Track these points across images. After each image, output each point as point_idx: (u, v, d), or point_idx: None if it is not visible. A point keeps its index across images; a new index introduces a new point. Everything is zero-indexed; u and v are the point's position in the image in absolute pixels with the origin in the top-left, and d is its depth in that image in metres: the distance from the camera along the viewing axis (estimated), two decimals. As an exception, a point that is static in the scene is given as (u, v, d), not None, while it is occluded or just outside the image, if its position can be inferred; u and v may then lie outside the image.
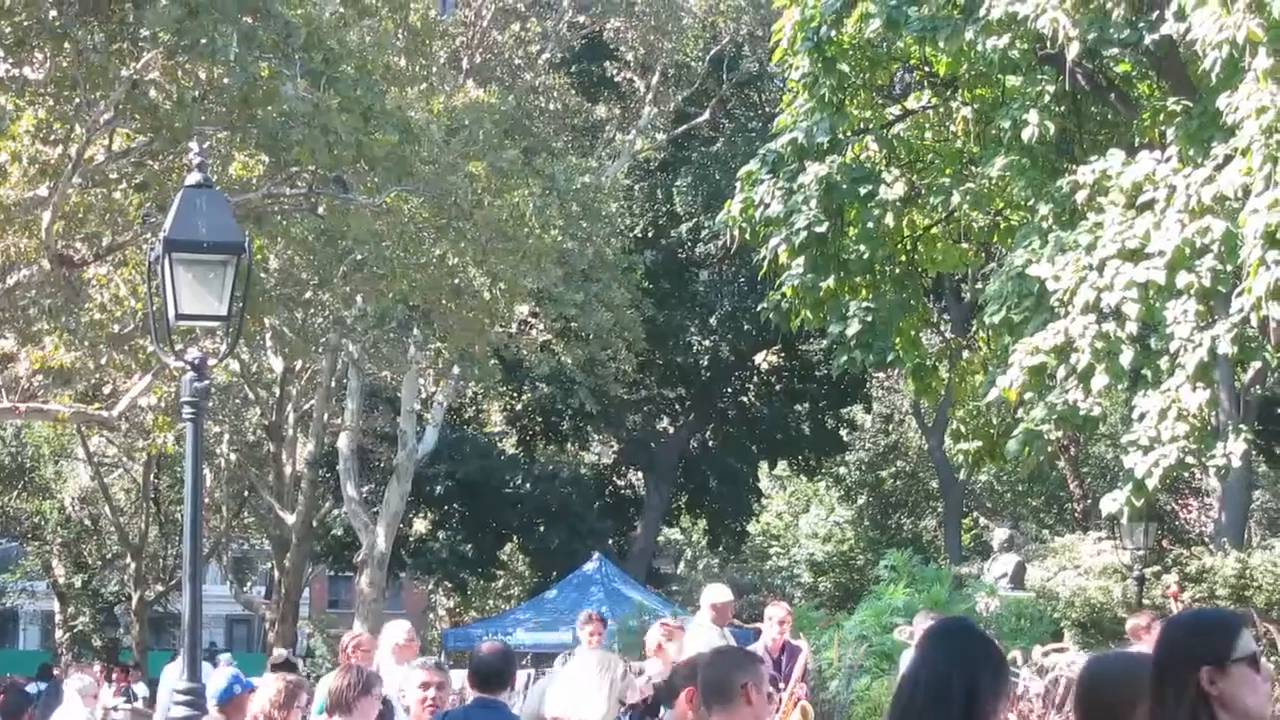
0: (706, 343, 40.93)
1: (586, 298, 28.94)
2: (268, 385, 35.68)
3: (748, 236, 24.34)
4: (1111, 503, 19.65)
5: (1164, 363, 19.28)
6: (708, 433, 45.69)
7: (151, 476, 42.76)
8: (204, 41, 15.28)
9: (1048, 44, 20.54)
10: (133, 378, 19.30)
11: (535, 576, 44.51)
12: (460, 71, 31.40)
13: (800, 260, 23.67)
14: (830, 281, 23.84)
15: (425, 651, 17.83)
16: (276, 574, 38.36)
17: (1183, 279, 18.49)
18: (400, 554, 39.69)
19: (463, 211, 21.71)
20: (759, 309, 26.00)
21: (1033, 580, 23.42)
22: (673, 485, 44.42)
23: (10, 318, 18.41)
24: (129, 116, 16.51)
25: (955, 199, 23.49)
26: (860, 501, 49.99)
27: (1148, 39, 20.20)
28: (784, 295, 24.12)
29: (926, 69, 24.82)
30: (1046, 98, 21.63)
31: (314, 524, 37.40)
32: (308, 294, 22.97)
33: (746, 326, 38.45)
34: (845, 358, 23.91)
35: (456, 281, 23.34)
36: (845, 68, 23.65)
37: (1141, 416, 19.26)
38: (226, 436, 36.82)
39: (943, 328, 36.46)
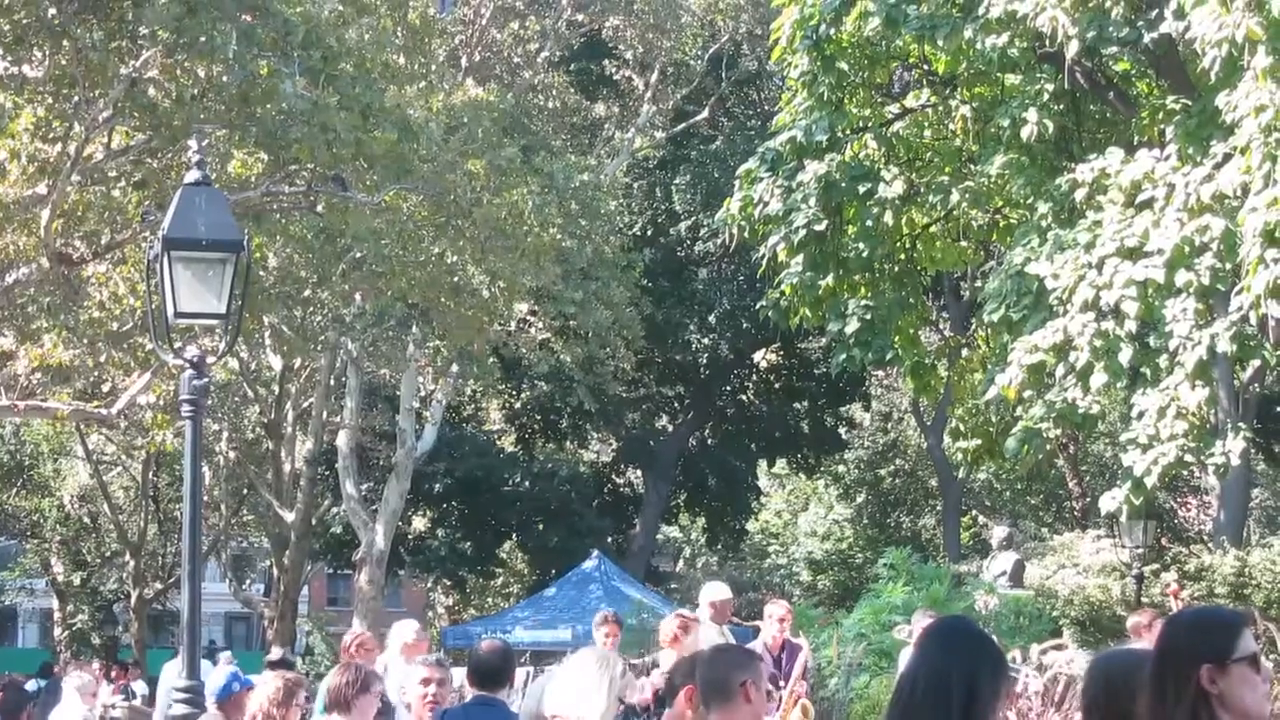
0: (705, 341, 40.92)
1: (585, 296, 28.93)
2: (267, 383, 35.67)
3: (746, 235, 24.33)
4: (1110, 501, 19.65)
5: (1163, 361, 19.28)
6: (706, 431, 45.70)
7: (150, 474, 42.76)
8: (203, 39, 15.28)
9: (1047, 42, 20.53)
10: (132, 376, 19.30)
11: (534, 574, 44.55)
12: (459, 69, 31.40)
13: (799, 258, 23.66)
14: (829, 280, 23.84)
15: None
16: (275, 572, 38.35)
17: (1182, 277, 18.49)
18: (399, 552, 39.73)
19: (461, 210, 21.70)
20: (758, 307, 25.99)
21: (1031, 578, 23.40)
22: (671, 483, 44.42)
23: (9, 316, 18.41)
24: (128, 114, 16.50)
25: (954, 197, 23.49)
26: (859, 500, 49.99)
27: (1147, 37, 20.20)
28: (783, 293, 24.11)
29: (925, 67, 24.81)
30: (1045, 96, 21.63)
31: (313, 522, 37.39)
32: (307, 292, 22.97)
33: (745, 325, 38.45)
34: (844, 356, 23.90)
35: (455, 279, 23.34)
36: (844, 66, 23.63)
37: (1140, 415, 19.25)
38: (225, 434, 36.80)
39: (942, 326, 36.50)
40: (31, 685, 22.70)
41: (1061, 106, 22.56)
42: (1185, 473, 25.68)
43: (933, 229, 25.56)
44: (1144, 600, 21.19)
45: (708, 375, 42.74)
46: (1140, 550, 22.78)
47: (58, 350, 18.14)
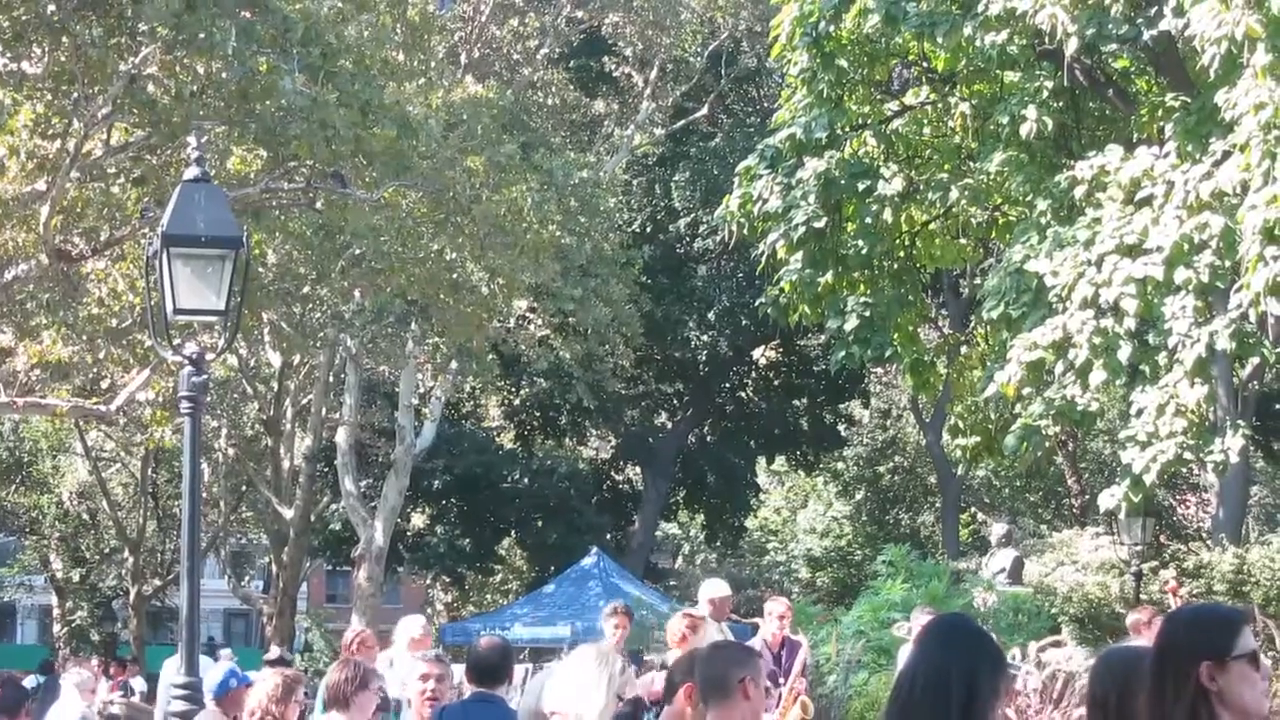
0: (705, 338, 40.92)
1: (585, 293, 28.93)
2: (266, 380, 35.69)
3: (746, 232, 24.33)
4: (1109, 498, 19.66)
5: (1162, 358, 19.28)
6: (706, 428, 45.70)
7: (149, 471, 42.77)
8: (202, 36, 15.27)
9: (1046, 39, 20.53)
10: (131, 372, 19.31)
11: (533, 571, 44.56)
12: (459, 66, 31.39)
13: (798, 255, 23.66)
14: (828, 277, 23.84)
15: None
16: (274, 568, 38.35)
17: (1181, 274, 18.49)
18: (398, 549, 39.74)
19: (461, 206, 21.69)
20: (757, 304, 25.99)
21: (1030, 575, 23.41)
22: (670, 480, 44.43)
23: (8, 312, 18.41)
24: (127, 111, 16.49)
25: (953, 194, 23.50)
26: (858, 497, 49.99)
27: (1146, 35, 20.20)
28: (782, 290, 24.12)
29: (925, 64, 24.80)
30: (1045, 93, 21.62)
31: (312, 518, 37.39)
32: (306, 289, 22.97)
33: (745, 322, 38.47)
34: (843, 353, 23.89)
35: (455, 276, 23.33)
36: (844, 63, 23.64)
37: (1139, 412, 19.26)
38: (224, 431, 36.79)
39: (941, 323, 36.48)
40: (30, 682, 22.70)
41: (1061, 104, 22.55)
42: (1184, 470, 25.68)
43: (932, 226, 25.56)
44: (1143, 597, 21.19)
45: (707, 372, 42.74)
46: (1139, 547, 22.78)
47: (57, 347, 18.14)
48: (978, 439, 25.00)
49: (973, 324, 28.26)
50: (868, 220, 23.52)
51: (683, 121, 39.82)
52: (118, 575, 47.98)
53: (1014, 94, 21.97)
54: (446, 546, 42.12)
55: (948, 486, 39.46)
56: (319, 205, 19.48)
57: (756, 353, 43.92)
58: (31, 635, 62.23)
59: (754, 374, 45.28)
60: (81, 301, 18.33)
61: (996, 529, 24.98)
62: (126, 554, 43.56)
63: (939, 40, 21.84)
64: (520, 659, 23.28)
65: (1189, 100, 20.50)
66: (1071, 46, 20.00)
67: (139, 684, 28.48)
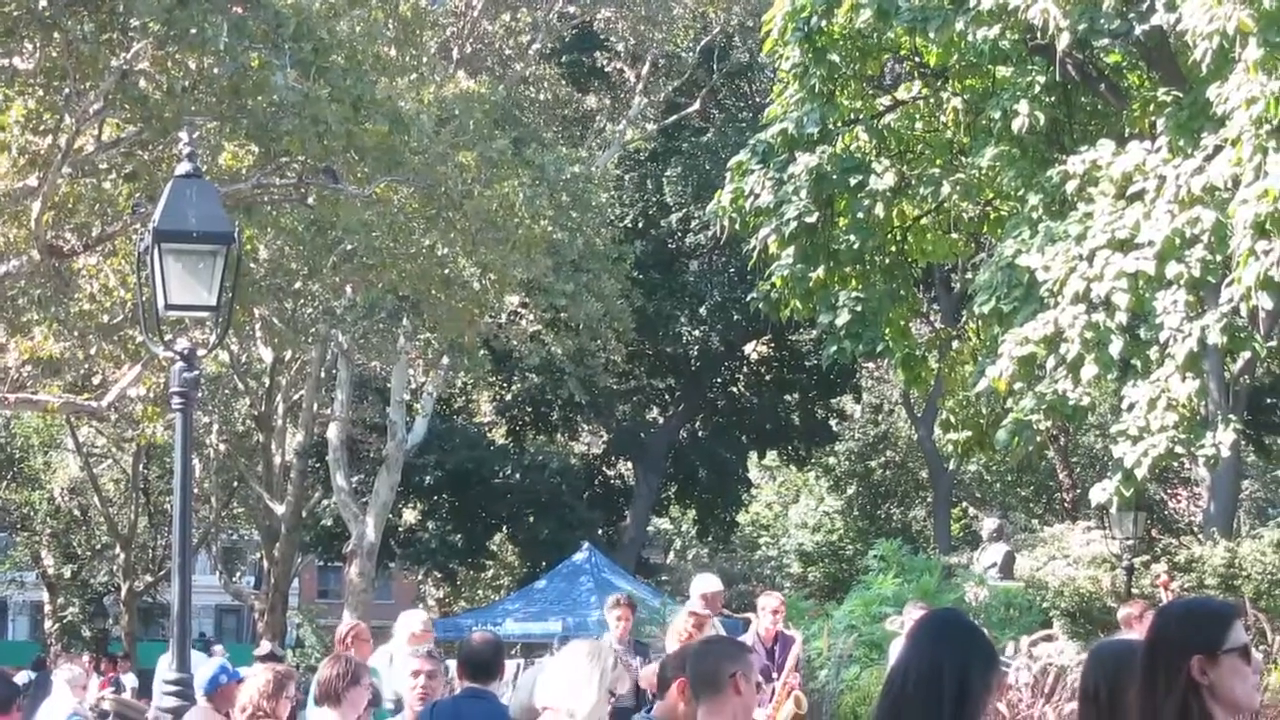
0: (696, 333, 40.92)
1: (576, 288, 28.91)
2: (257, 375, 35.64)
3: (738, 227, 24.33)
4: (1101, 492, 19.69)
5: (1153, 353, 19.31)
6: (697, 423, 45.69)
7: (141, 467, 42.68)
8: (194, 31, 15.26)
9: (1038, 35, 20.52)
10: (122, 368, 19.29)
11: (524, 567, 44.55)
12: (450, 62, 31.35)
13: (790, 250, 23.67)
14: (820, 272, 23.85)
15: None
16: (266, 564, 38.31)
17: (1172, 269, 18.51)
18: (390, 544, 39.68)
19: (452, 202, 21.68)
20: (749, 299, 26.00)
21: (1022, 570, 23.43)
22: (662, 475, 44.42)
23: (-1, 308, 18.40)
24: (119, 106, 16.48)
25: (945, 189, 23.51)
26: (849, 491, 49.99)
27: (1138, 30, 20.21)
28: (774, 285, 24.13)
29: (917, 59, 24.82)
30: (1037, 88, 21.65)
31: (303, 514, 37.37)
32: (297, 284, 22.96)
33: (736, 316, 38.45)
34: (835, 348, 23.91)
35: (446, 272, 23.32)
36: (835, 58, 23.65)
37: (1131, 406, 19.28)
38: (216, 427, 36.76)
39: (932, 318, 36.56)
40: (22, 678, 22.68)
41: (1053, 98, 22.56)
42: (1175, 464, 25.67)
43: (924, 221, 25.58)
44: (1134, 591, 21.23)
45: (698, 367, 42.73)
46: (1130, 542, 22.83)
47: (48, 342, 18.12)
48: (969, 434, 25.02)
49: (964, 319, 28.29)
50: (859, 215, 23.54)
51: (674, 117, 39.80)
52: (109, 571, 47.92)
53: (1006, 89, 21.99)
54: (438, 542, 42.11)
55: (939, 481, 39.49)
56: (311, 201, 19.46)
57: (748, 348, 43.89)
58: (23, 631, 62.16)
59: (745, 369, 45.26)
60: (73, 297, 18.32)
61: (988, 524, 24.99)
62: (118, 550, 43.52)
63: (931, 35, 21.85)
64: (512, 654, 23.29)
65: (1181, 95, 20.52)
66: (1063, 41, 20.00)
67: (130, 680, 28.43)
